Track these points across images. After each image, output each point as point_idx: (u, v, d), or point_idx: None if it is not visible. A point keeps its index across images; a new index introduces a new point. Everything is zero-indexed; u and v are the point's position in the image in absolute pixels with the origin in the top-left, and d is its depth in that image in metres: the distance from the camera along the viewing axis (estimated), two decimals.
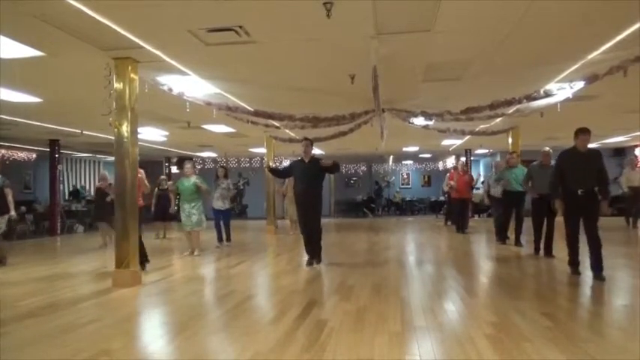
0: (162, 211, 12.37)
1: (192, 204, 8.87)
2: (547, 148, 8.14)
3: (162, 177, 12.96)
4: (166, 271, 7.43)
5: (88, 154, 18.43)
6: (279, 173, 9.07)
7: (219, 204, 10.29)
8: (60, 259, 9.41)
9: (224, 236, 10.66)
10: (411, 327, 4.09)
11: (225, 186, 10.32)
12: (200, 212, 8.93)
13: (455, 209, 13.24)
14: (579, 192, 6.01)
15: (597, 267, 5.94)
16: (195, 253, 8.96)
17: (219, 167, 10.96)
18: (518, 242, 9.35)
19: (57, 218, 14.79)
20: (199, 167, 21.50)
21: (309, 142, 7.75)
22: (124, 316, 4.84)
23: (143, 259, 7.13)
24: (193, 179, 8.90)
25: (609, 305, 5.03)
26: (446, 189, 14.05)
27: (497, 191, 10.06)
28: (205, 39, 5.45)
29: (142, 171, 7.24)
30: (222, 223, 10.52)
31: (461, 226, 12.54)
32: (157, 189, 12.47)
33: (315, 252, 7.58)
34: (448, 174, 13.90)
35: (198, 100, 7.83)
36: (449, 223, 14.86)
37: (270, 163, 13.59)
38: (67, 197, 17.70)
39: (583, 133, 6.09)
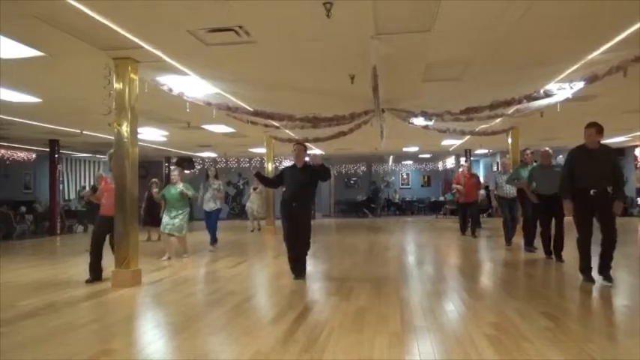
0: (151, 215, 11.99)
1: (179, 211, 8.67)
2: (547, 148, 8.00)
3: (154, 180, 12.55)
4: (165, 271, 7.42)
5: (88, 154, 18.44)
6: (269, 182, 7.89)
7: (211, 205, 9.94)
8: (60, 259, 9.40)
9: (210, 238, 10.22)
10: (411, 327, 4.09)
11: (216, 187, 9.99)
12: (184, 220, 8.72)
13: (461, 212, 12.58)
14: (591, 192, 5.56)
15: (605, 268, 5.60)
16: (185, 256, 8.68)
17: (209, 167, 10.70)
18: (527, 246, 8.77)
19: (57, 218, 14.80)
20: (199, 167, 21.50)
21: (302, 147, 6.88)
22: (123, 316, 4.84)
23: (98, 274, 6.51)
24: (180, 186, 8.66)
25: (610, 305, 5.02)
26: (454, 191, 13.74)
27: (505, 191, 9.73)
28: (205, 39, 5.45)
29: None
30: (208, 223, 10.11)
31: (472, 229, 11.84)
32: (147, 192, 12.24)
33: (300, 269, 6.61)
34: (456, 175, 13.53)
35: (198, 100, 7.83)
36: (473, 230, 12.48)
37: (269, 169, 13.09)
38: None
39: (587, 127, 5.69)
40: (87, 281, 6.42)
